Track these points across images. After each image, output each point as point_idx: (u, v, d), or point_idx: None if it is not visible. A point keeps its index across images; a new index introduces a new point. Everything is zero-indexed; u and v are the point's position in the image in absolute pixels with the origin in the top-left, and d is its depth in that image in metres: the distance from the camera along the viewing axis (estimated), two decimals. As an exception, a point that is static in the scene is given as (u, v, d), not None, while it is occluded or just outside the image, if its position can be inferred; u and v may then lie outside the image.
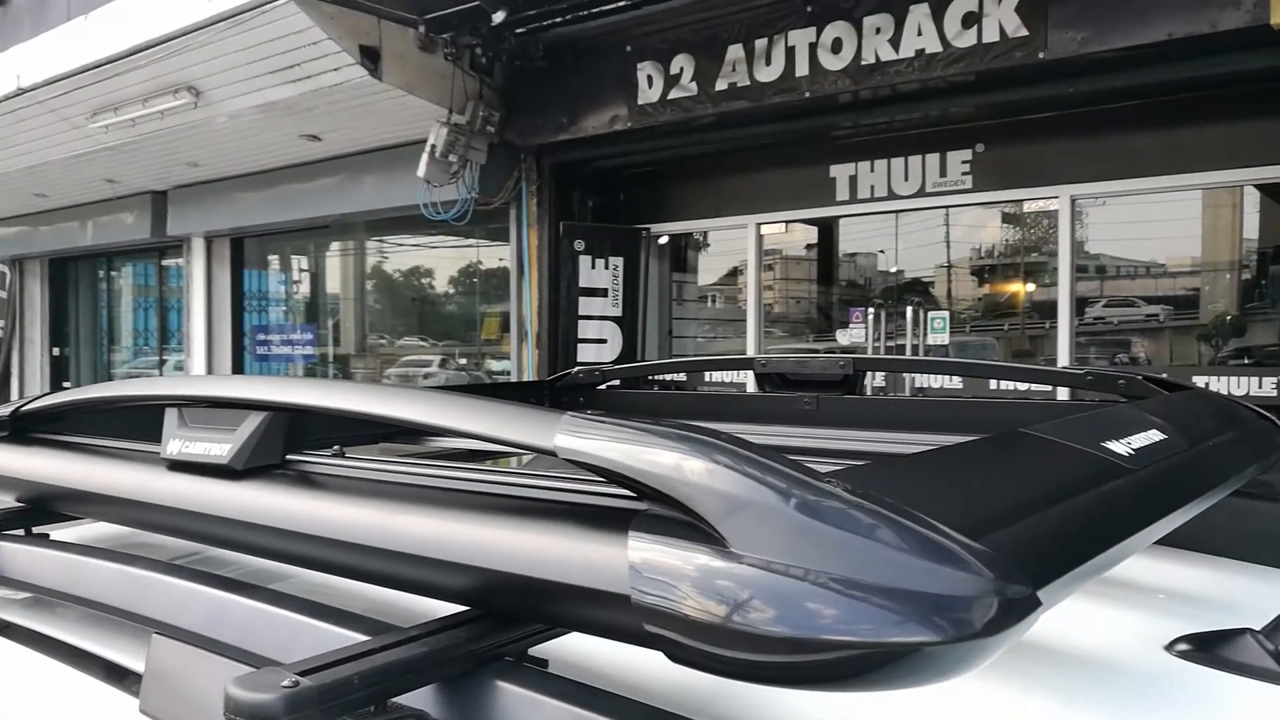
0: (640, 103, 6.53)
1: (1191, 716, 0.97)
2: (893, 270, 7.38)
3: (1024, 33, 5.10)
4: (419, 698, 0.76)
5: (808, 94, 5.84)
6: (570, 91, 6.86)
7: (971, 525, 0.69)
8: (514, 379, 7.65)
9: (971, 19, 5.25)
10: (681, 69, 6.35)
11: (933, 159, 6.30)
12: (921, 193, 6.40)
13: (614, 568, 0.68)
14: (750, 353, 7.12)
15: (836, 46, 5.72)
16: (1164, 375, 4.23)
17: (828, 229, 7.65)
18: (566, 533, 0.75)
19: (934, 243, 7.17)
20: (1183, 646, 1.06)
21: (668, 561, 0.66)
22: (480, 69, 6.87)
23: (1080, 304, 6.12)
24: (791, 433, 2.02)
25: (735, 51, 6.10)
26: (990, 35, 5.20)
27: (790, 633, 0.61)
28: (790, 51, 5.88)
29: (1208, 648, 1.04)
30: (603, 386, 2.51)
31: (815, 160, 6.74)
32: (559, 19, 6.37)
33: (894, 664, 0.60)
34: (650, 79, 6.49)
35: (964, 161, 6.22)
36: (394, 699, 0.73)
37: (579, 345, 7.37)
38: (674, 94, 6.38)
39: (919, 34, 5.42)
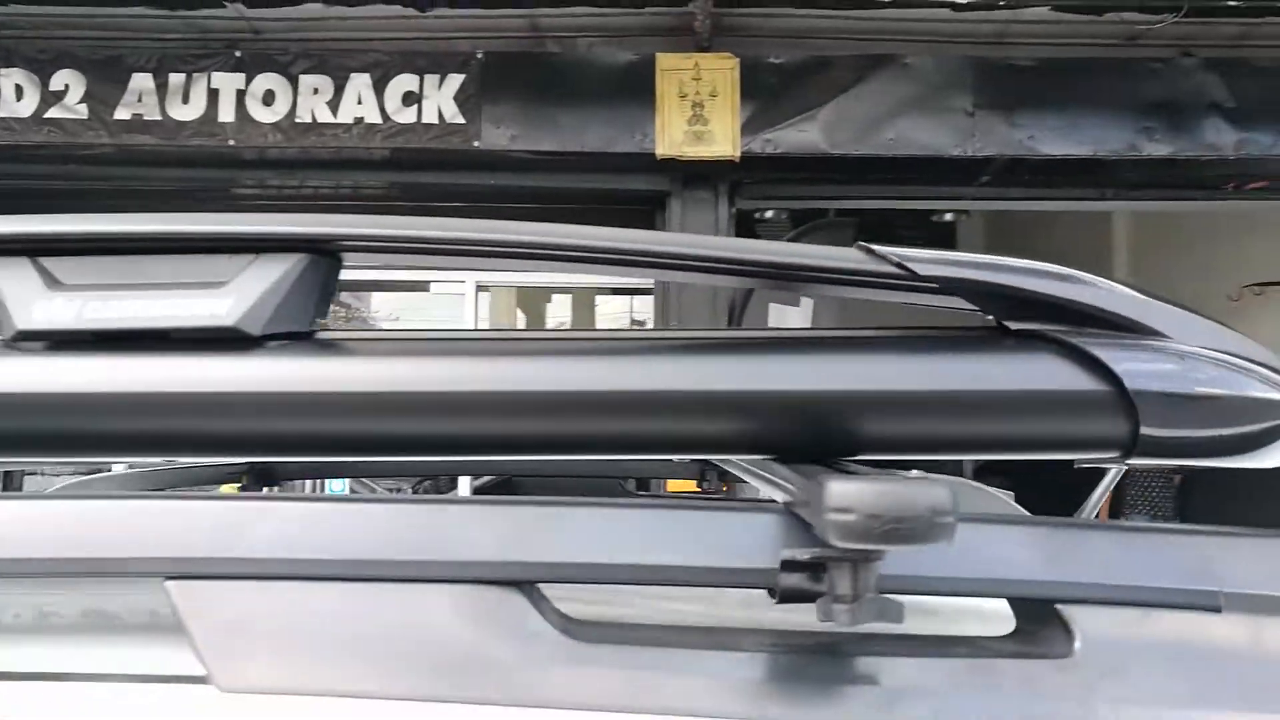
0: (3, 115, 5.32)
1: None
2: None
3: (461, 120, 5.44)
4: None
5: (233, 141, 5.39)
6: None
7: None
8: None
9: (412, 98, 5.44)
10: (67, 85, 5.33)
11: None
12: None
13: None
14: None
15: (269, 99, 5.41)
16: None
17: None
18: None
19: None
20: None
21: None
22: None
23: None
24: None
25: (143, 80, 5.36)
26: (430, 117, 5.44)
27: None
28: (214, 94, 5.39)
29: None
30: None
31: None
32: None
33: None
34: (20, 89, 5.33)
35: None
36: None
37: None
38: (55, 113, 5.33)
39: (359, 102, 5.42)
